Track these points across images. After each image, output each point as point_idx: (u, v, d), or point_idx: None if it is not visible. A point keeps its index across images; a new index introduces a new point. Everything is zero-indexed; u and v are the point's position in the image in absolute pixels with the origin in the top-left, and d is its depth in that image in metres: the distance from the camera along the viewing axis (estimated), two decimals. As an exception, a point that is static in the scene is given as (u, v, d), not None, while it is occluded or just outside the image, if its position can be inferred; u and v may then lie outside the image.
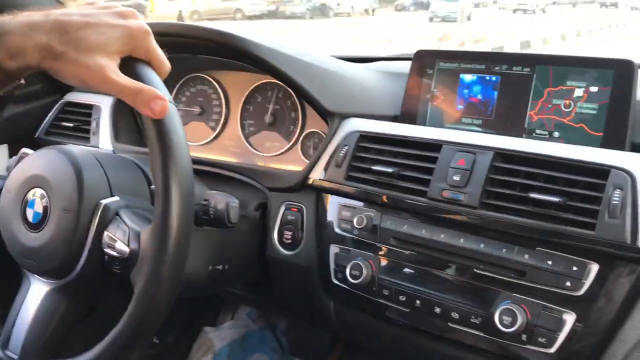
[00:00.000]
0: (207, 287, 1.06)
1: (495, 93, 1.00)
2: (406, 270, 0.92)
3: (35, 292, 0.85)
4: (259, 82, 1.24)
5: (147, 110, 0.64)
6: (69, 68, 0.61)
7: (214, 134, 1.29)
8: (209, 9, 16.51)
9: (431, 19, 16.24)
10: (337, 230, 1.00)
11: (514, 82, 0.98)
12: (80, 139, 1.35)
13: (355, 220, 0.96)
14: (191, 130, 1.31)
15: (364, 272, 0.94)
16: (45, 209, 0.82)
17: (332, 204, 1.01)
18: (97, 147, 1.29)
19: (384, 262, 0.94)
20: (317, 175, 1.03)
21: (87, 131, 1.34)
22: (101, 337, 0.73)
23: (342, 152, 1.00)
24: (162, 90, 0.65)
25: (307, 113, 1.19)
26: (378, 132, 1.01)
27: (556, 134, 0.95)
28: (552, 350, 0.79)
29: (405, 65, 1.12)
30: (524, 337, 0.81)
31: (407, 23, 15.52)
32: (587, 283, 0.77)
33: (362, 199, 0.98)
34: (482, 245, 0.85)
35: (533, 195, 0.81)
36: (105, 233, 0.78)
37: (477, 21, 15.61)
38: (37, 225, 0.82)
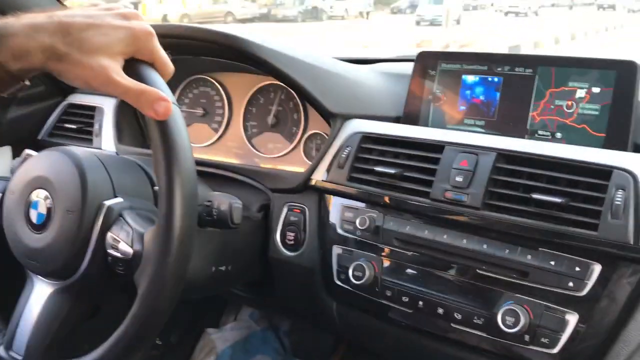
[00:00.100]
0: (210, 288, 1.06)
1: (498, 94, 1.00)
2: (409, 271, 0.92)
3: (39, 293, 0.85)
4: (262, 84, 1.24)
5: (150, 112, 0.64)
6: (73, 69, 0.61)
7: (217, 136, 1.30)
8: (199, 12, 16.33)
9: (418, 23, 15.97)
10: (339, 231, 1.00)
11: (516, 83, 0.98)
12: (83, 140, 1.35)
13: (357, 221, 0.96)
14: (194, 132, 1.31)
15: (367, 273, 0.94)
16: (48, 210, 0.82)
17: (335, 205, 1.01)
18: (100, 149, 1.29)
19: (386, 263, 0.94)
20: (319, 176, 1.03)
21: (90, 133, 1.34)
22: (107, 337, 0.73)
23: (345, 153, 1.00)
24: (165, 92, 0.65)
25: (310, 114, 1.19)
26: (380, 133, 1.01)
27: (558, 135, 0.95)
28: (555, 350, 0.79)
29: (408, 67, 1.12)
30: (526, 337, 0.81)
31: (401, 26, 15.29)
32: (590, 284, 0.77)
33: (365, 200, 0.98)
34: (484, 246, 0.85)
35: (535, 196, 0.81)
36: (109, 234, 0.78)
37: (467, 25, 15.39)
38: (40, 227, 0.82)
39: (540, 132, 0.96)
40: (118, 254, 0.76)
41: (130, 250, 0.75)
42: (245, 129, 1.27)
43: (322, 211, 1.03)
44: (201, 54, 1.20)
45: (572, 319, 0.78)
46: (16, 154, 1.41)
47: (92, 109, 1.36)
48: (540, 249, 0.81)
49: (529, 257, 0.82)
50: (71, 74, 0.62)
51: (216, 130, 1.30)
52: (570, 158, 0.83)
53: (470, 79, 1.03)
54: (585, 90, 0.93)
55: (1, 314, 0.94)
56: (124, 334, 0.71)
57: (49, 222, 0.81)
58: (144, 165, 0.92)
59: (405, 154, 0.97)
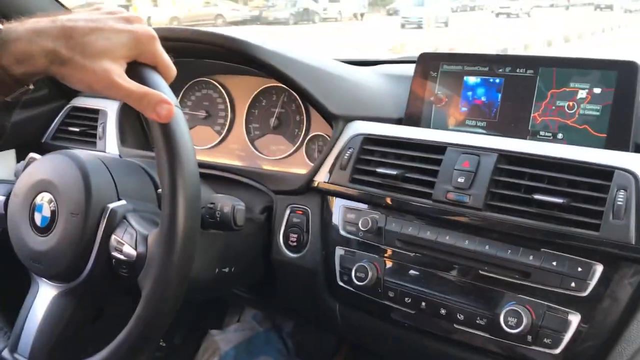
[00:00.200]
0: (213, 290, 1.07)
1: (499, 95, 1.00)
2: (411, 272, 0.93)
3: (44, 296, 0.85)
4: (264, 86, 1.25)
5: (153, 115, 0.64)
6: (76, 73, 0.62)
7: (220, 138, 1.30)
8: (189, 15, 16.05)
9: (403, 26, 15.34)
10: (342, 232, 1.00)
11: (518, 84, 0.99)
12: (86, 143, 1.36)
13: (360, 223, 0.96)
14: (197, 134, 1.32)
15: (369, 274, 0.94)
16: (53, 213, 0.82)
17: (337, 206, 1.02)
18: (104, 152, 1.30)
19: (389, 264, 0.95)
20: (321, 178, 1.03)
21: (94, 136, 1.35)
22: (111, 339, 0.73)
23: (347, 154, 1.01)
24: (168, 95, 0.66)
25: (312, 116, 1.19)
26: (382, 135, 1.01)
27: (560, 136, 0.95)
28: (558, 351, 0.79)
29: (409, 68, 1.12)
30: (529, 338, 0.81)
31: (392, 29, 14.82)
32: (592, 284, 0.77)
33: (367, 202, 0.98)
34: (486, 247, 0.85)
35: (537, 196, 0.81)
36: (113, 237, 0.78)
37: (455, 27, 14.86)
38: (45, 230, 0.83)
39: (541, 132, 0.96)
40: (122, 257, 0.76)
41: (134, 253, 0.75)
42: (248, 131, 1.27)
43: (325, 213, 1.04)
44: (203, 57, 1.21)
45: (575, 319, 0.78)
46: (20, 157, 1.42)
47: (96, 111, 1.36)
48: (542, 249, 0.81)
49: (531, 257, 0.82)
50: (74, 78, 0.62)
51: (219, 133, 1.31)
52: (571, 159, 0.83)
53: (471, 80, 1.03)
54: (586, 90, 0.93)
55: (6, 316, 0.94)
56: (129, 335, 0.71)
57: (53, 225, 0.82)
58: (148, 167, 0.93)
59: (407, 155, 0.97)
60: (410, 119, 1.08)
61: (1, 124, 1.35)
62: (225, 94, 1.30)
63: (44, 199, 0.83)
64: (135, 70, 0.66)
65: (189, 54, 1.17)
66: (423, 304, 0.91)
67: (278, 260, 1.08)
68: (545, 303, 0.80)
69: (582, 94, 0.93)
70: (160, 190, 0.69)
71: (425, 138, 0.97)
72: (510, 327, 0.80)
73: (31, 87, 0.64)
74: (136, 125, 1.33)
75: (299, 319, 1.48)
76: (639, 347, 0.78)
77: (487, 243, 0.86)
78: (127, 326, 0.71)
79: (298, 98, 1.20)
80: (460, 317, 0.87)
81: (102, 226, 0.79)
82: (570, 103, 0.94)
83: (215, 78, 1.31)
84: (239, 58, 1.09)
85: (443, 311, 0.89)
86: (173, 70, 0.70)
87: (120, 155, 1.25)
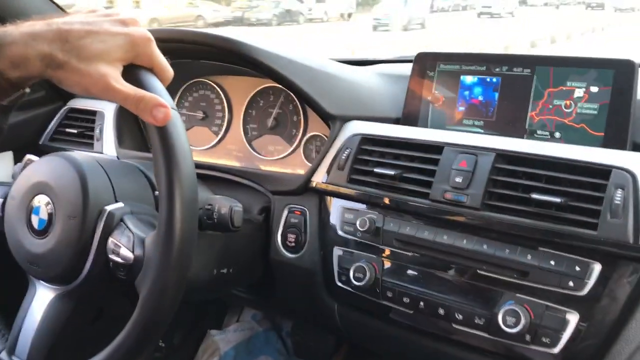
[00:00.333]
0: (212, 290, 1.07)
1: (496, 94, 1.00)
2: (409, 272, 0.93)
3: (41, 298, 0.85)
4: (261, 87, 1.25)
5: (149, 118, 0.64)
6: (72, 77, 0.62)
7: (217, 139, 1.30)
8: (169, 17, 15.46)
9: (375, 28, 14.45)
10: (340, 232, 1.00)
11: (515, 84, 0.99)
12: (84, 145, 1.36)
13: (358, 223, 0.96)
14: (194, 135, 1.32)
15: (368, 274, 0.94)
16: (50, 215, 0.82)
17: (335, 206, 1.02)
18: (101, 153, 1.30)
19: (387, 264, 0.95)
20: (319, 178, 1.03)
21: (91, 137, 1.35)
22: (109, 342, 0.73)
23: (344, 155, 1.01)
24: (164, 97, 0.65)
25: (309, 116, 1.19)
26: (380, 135, 1.01)
27: (557, 135, 0.95)
28: (556, 350, 0.79)
29: (406, 68, 1.12)
30: (527, 337, 0.81)
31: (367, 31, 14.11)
32: (590, 283, 0.77)
33: (365, 202, 0.98)
34: (484, 246, 0.85)
35: (535, 195, 0.81)
36: (110, 239, 0.78)
37: (432, 29, 13.93)
38: (42, 232, 0.82)
39: (539, 132, 0.96)
40: (119, 259, 0.76)
41: (131, 256, 0.75)
42: (245, 132, 1.27)
43: (323, 213, 1.04)
44: (200, 58, 1.21)
45: (573, 318, 0.78)
46: (17, 159, 1.42)
47: (93, 113, 1.36)
48: (540, 248, 0.81)
49: (529, 257, 0.82)
50: (70, 82, 0.62)
51: (216, 134, 1.30)
52: (569, 158, 0.83)
53: (468, 79, 1.03)
54: (583, 89, 0.93)
55: (4, 318, 0.94)
56: (126, 338, 0.71)
57: (50, 228, 0.82)
58: (145, 169, 0.92)
59: (404, 155, 0.97)
60: (408, 118, 1.08)
61: (-2, 126, 1.35)
62: (222, 94, 1.30)
63: (41, 201, 0.83)
64: (131, 73, 0.66)
65: (185, 55, 1.17)
66: (421, 303, 0.91)
67: (276, 260, 1.08)
68: (544, 302, 0.80)
69: (579, 92, 0.93)
70: (157, 192, 0.68)
71: (423, 138, 0.97)
72: (509, 326, 0.80)
73: (27, 90, 0.64)
74: (133, 127, 1.33)
75: (298, 318, 1.48)
76: (637, 346, 0.78)
77: (485, 242, 0.86)
78: (124, 329, 0.71)
79: (295, 98, 1.20)
80: (459, 316, 0.87)
81: (100, 229, 0.79)
82: (568, 102, 0.94)
83: (212, 79, 1.31)
84: (235, 59, 1.09)
85: (441, 311, 0.89)
86: (170, 72, 0.70)
87: (117, 157, 1.25)
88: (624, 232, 0.75)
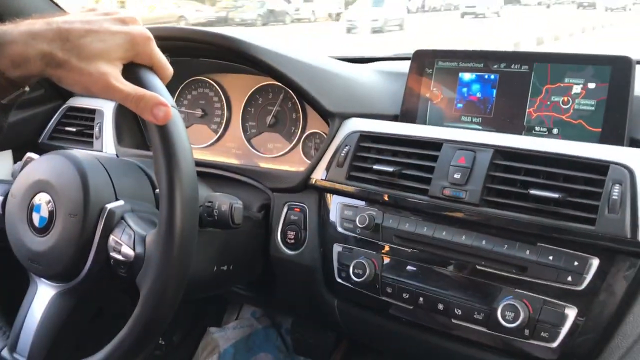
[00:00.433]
0: (211, 288, 1.07)
1: (494, 91, 1.01)
2: (409, 267, 0.93)
3: (42, 296, 0.85)
4: (260, 84, 1.25)
5: (150, 117, 0.64)
6: (72, 76, 0.62)
7: (216, 136, 1.30)
8: (150, 17, 15.19)
9: (349, 30, 13.76)
10: (339, 229, 1.00)
11: (513, 80, 0.99)
12: (83, 143, 1.36)
13: (357, 220, 0.96)
14: (193, 133, 1.32)
15: (367, 270, 0.94)
16: (51, 213, 0.82)
17: (335, 203, 1.02)
18: (101, 151, 1.30)
19: (386, 260, 0.95)
20: (318, 175, 1.04)
21: (91, 135, 1.35)
22: (110, 339, 0.74)
23: (343, 152, 1.01)
24: (165, 96, 0.66)
25: (308, 114, 1.20)
26: (378, 132, 1.01)
27: (555, 131, 0.95)
28: (555, 344, 0.80)
29: (405, 65, 1.12)
30: (526, 332, 0.81)
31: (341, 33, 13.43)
32: (588, 277, 0.78)
33: (364, 198, 0.98)
34: (483, 242, 0.86)
35: (533, 191, 0.82)
36: (111, 237, 0.78)
37: (411, 30, 13.32)
38: (43, 230, 0.83)
39: (537, 128, 0.97)
40: (120, 257, 0.76)
41: (132, 253, 0.75)
42: (244, 129, 1.27)
43: (322, 210, 1.04)
44: (199, 56, 1.21)
45: (571, 312, 0.79)
46: (17, 157, 1.42)
47: (92, 111, 1.37)
48: (538, 244, 0.82)
49: (528, 252, 0.82)
50: (70, 80, 0.62)
51: (215, 131, 1.31)
52: (567, 153, 0.84)
53: (466, 76, 1.03)
54: (581, 86, 0.93)
55: (5, 316, 0.95)
56: (127, 335, 0.71)
57: (51, 226, 0.82)
58: (145, 167, 0.93)
59: (403, 152, 0.97)
60: (406, 115, 1.09)
61: (-2, 125, 1.35)
62: (221, 92, 1.30)
63: (41, 199, 0.83)
64: (131, 71, 0.66)
65: (184, 53, 1.17)
66: (421, 299, 0.91)
67: (276, 257, 1.08)
68: (542, 297, 0.81)
69: (576, 89, 0.94)
70: (158, 190, 0.69)
71: (421, 135, 0.97)
72: (508, 321, 0.81)
73: (27, 89, 0.64)
74: (133, 125, 1.33)
75: (298, 315, 1.48)
76: (635, 340, 0.78)
77: (484, 238, 0.86)
78: (125, 326, 0.72)
79: (294, 96, 1.20)
80: (458, 312, 0.88)
81: (100, 226, 0.79)
82: (565, 98, 0.94)
83: (211, 77, 1.31)
84: (234, 56, 1.09)
85: (441, 306, 0.89)
86: (169, 70, 0.71)
87: (117, 155, 1.25)
88: (622, 227, 0.76)
